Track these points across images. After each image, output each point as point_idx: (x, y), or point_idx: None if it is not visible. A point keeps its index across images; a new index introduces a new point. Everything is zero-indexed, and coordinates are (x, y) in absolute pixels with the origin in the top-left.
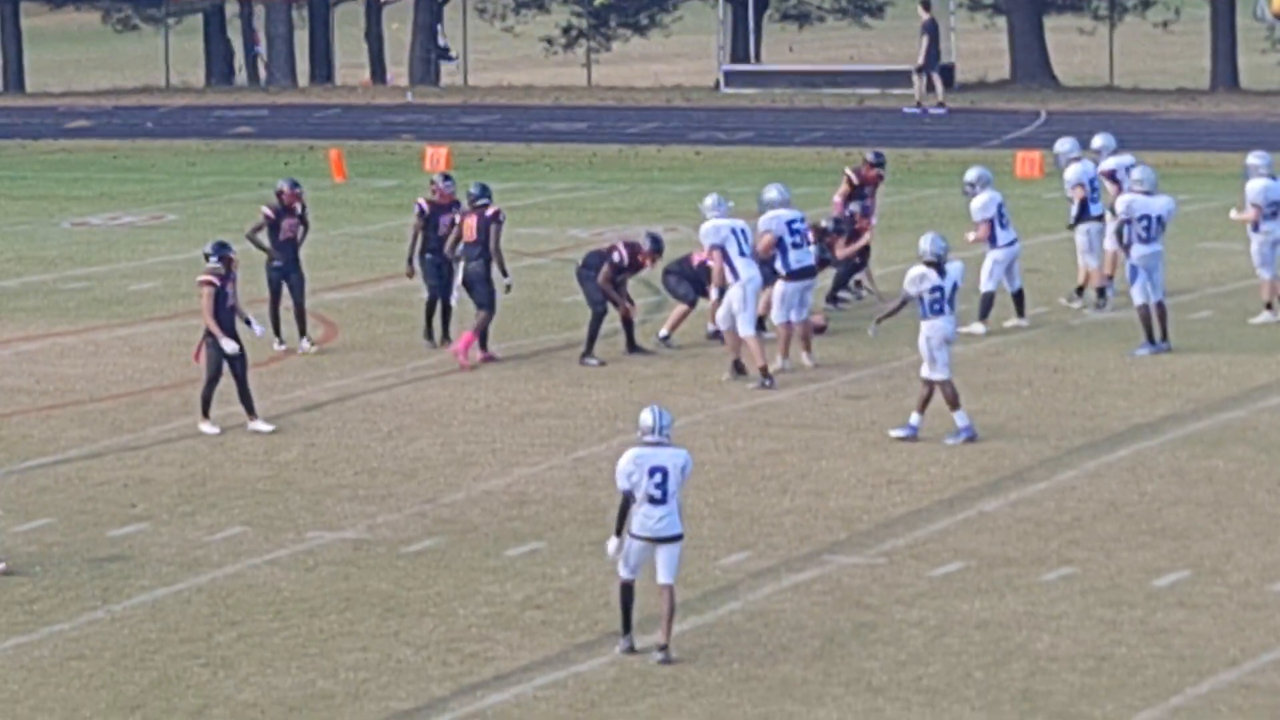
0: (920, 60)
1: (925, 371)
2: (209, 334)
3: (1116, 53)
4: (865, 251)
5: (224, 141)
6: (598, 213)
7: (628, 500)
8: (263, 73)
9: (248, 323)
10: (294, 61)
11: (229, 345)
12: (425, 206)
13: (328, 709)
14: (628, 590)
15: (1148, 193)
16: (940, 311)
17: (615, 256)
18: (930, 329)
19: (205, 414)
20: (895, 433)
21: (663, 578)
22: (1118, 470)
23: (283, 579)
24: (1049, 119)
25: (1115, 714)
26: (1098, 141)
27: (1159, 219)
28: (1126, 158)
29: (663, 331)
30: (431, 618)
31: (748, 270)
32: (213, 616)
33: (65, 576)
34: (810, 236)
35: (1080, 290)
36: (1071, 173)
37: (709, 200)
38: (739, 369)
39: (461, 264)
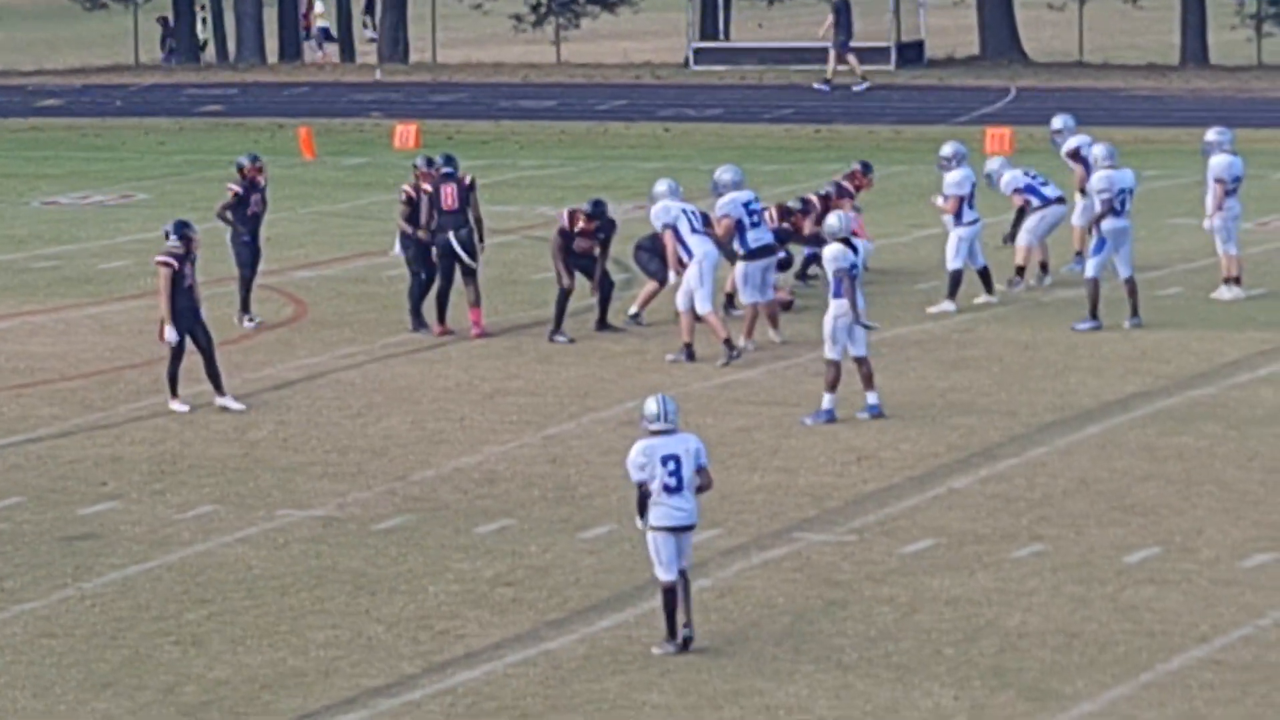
0: (831, 38)
1: (827, 351)
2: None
3: (1086, 28)
4: None
5: (194, 120)
6: (567, 190)
7: (644, 491)
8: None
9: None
10: (263, 39)
11: (170, 334)
12: (413, 192)
13: (299, 686)
14: (670, 595)
15: (1114, 167)
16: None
17: (561, 222)
18: (839, 307)
19: (174, 392)
20: (860, 414)
21: (679, 563)
22: (1088, 447)
23: (253, 557)
24: (1019, 95)
25: (1085, 690)
26: (1057, 123)
27: (1130, 191)
28: (1084, 136)
29: (633, 309)
30: (402, 595)
31: (702, 246)
32: (184, 594)
33: (36, 555)
34: (770, 215)
35: (1020, 270)
36: (1006, 181)
37: (662, 186)
38: (690, 354)
39: (445, 235)
